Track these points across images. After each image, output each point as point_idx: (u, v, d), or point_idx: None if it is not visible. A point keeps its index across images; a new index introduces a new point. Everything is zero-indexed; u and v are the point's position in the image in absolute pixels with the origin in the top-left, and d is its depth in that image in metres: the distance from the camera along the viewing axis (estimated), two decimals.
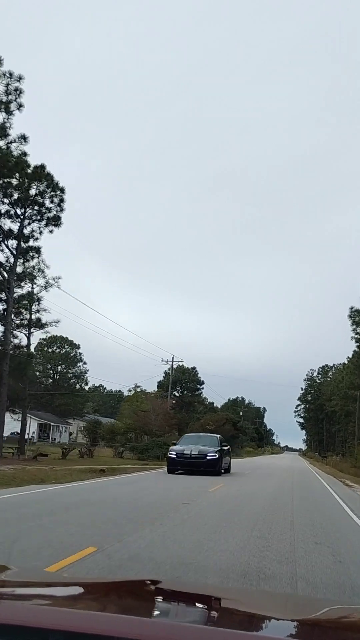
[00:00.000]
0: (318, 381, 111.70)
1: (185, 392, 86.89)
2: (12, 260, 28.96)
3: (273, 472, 29.52)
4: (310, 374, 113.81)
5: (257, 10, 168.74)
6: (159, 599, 1.97)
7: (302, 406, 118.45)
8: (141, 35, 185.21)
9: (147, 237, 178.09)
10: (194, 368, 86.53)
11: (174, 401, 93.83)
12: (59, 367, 78.07)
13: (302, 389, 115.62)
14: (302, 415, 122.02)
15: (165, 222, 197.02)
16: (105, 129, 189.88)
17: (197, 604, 1.87)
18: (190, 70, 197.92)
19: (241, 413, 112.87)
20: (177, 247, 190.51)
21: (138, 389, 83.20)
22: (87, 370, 79.82)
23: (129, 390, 78.96)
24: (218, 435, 25.09)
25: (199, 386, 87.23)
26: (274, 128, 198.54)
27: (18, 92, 26.03)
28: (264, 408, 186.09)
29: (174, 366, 52.76)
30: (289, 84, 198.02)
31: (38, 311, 32.98)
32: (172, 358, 51.98)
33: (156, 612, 1.70)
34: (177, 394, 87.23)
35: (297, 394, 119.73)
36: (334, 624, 1.79)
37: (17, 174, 27.70)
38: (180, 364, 52.64)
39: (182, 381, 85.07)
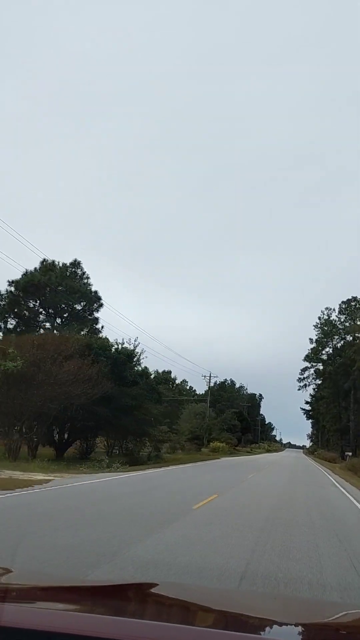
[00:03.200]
0: (340, 326, 63.77)
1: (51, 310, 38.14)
2: None
3: None
4: (327, 315, 65.57)
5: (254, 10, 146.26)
6: (161, 601, 2.00)
7: (312, 370, 69.73)
8: (141, 30, 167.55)
9: (146, 233, 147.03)
10: (76, 264, 37.98)
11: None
12: None
13: (311, 340, 67.49)
14: (313, 388, 73.75)
15: (164, 220, 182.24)
16: (105, 125, 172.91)
17: (199, 607, 1.89)
18: (192, 64, 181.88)
19: (208, 386, 65.09)
20: (175, 243, 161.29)
21: None
22: None
23: None
24: None
25: (92, 307, 38.15)
26: (277, 122, 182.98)
27: None
28: (260, 395, 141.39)
29: None
30: (291, 77, 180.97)
31: None
32: None
33: (158, 615, 1.75)
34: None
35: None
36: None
37: None
38: None
39: (48, 286, 36.03)
